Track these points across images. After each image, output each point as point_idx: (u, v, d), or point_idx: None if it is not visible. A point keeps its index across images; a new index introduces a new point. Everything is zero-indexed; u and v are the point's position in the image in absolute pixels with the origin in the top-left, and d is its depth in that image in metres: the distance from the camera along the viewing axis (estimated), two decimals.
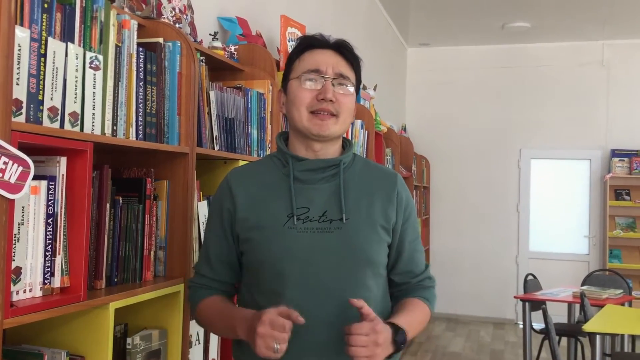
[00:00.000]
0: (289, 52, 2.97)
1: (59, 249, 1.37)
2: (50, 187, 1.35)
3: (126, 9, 1.84)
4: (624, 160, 7.03)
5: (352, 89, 1.47)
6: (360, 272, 1.41)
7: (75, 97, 1.41)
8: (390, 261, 1.50)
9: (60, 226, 1.37)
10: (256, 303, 1.42)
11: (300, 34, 3.17)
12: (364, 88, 4.58)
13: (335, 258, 1.40)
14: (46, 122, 1.33)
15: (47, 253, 1.34)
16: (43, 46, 1.33)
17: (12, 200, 1.20)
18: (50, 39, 1.34)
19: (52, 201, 1.35)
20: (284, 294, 1.38)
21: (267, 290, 1.42)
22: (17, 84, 1.25)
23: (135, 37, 1.65)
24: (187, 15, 2.31)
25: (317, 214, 1.42)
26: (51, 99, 1.34)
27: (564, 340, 5.06)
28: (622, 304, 4.61)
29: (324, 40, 1.48)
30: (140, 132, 1.68)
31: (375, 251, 1.44)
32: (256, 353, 1.26)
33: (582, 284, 5.22)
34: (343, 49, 1.48)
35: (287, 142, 1.52)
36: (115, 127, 1.56)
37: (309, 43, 1.49)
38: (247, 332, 1.32)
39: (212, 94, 2.09)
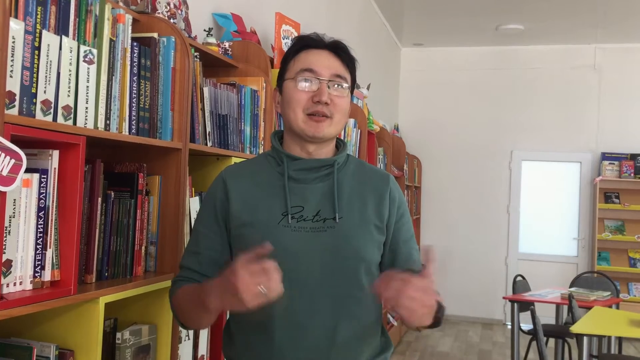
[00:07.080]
0: (284, 49, 3.00)
1: (50, 242, 1.36)
2: (42, 180, 1.35)
3: (121, 3, 1.84)
4: (614, 164, 7.08)
5: (347, 90, 1.47)
6: (353, 270, 1.42)
7: (69, 91, 1.41)
8: (387, 262, 1.49)
9: (52, 220, 1.37)
10: None
11: (294, 32, 3.17)
12: (357, 87, 4.59)
13: (328, 256, 1.40)
14: (39, 115, 1.33)
15: (37, 246, 1.34)
16: (37, 39, 1.32)
17: (4, 193, 1.20)
18: (44, 32, 1.34)
19: (44, 194, 1.35)
20: None
21: None
22: (11, 77, 1.24)
23: (130, 31, 1.65)
24: (181, 10, 2.31)
25: (311, 213, 1.42)
26: (44, 92, 1.34)
27: (552, 341, 5.10)
28: (610, 306, 4.65)
29: (320, 40, 1.48)
30: (133, 126, 1.67)
31: (368, 249, 1.44)
32: (243, 307, 1.18)
33: (571, 286, 5.26)
34: (338, 49, 1.48)
35: (281, 141, 1.53)
36: (108, 122, 1.56)
37: (304, 43, 1.48)
38: (220, 296, 1.23)
39: (205, 90, 2.09)
